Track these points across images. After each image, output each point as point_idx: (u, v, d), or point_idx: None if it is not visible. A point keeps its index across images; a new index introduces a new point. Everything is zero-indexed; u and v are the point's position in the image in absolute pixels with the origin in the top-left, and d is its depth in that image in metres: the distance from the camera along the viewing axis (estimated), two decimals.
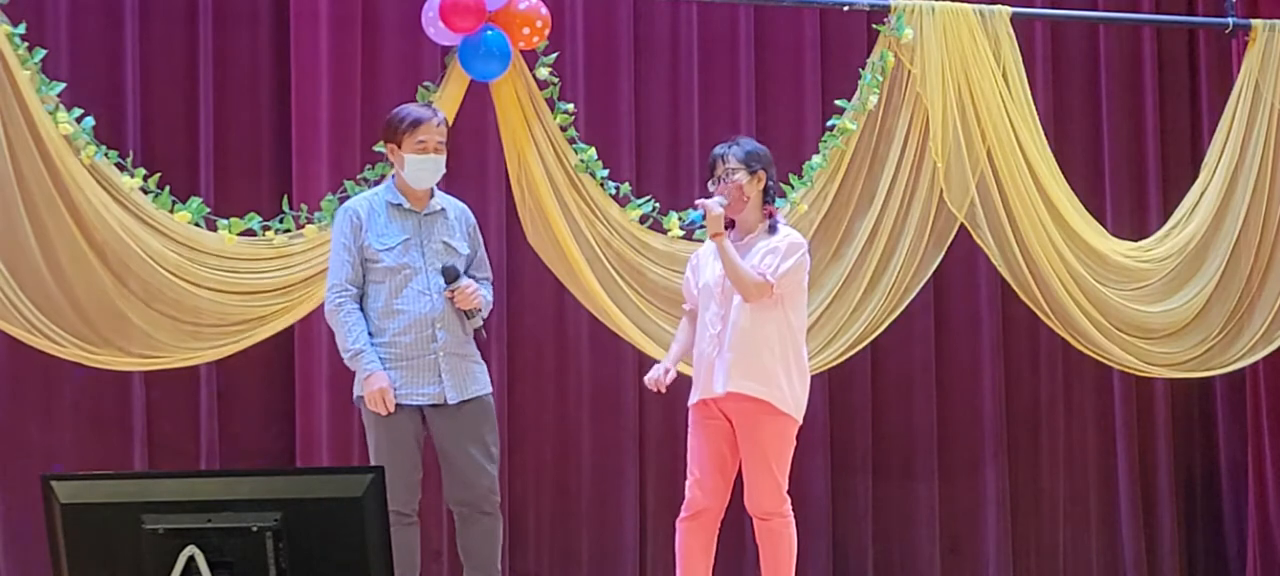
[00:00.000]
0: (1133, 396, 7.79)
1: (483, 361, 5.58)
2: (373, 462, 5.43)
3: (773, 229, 5.60)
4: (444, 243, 5.49)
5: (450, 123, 6.27)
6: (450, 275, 5.40)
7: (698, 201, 5.60)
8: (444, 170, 5.53)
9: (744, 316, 5.51)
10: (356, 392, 5.47)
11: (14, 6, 5.94)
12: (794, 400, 5.58)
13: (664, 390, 5.68)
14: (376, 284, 5.42)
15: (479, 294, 5.46)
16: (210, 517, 3.39)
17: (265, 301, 6.16)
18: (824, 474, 7.38)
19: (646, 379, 5.71)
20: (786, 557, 5.57)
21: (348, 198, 6.22)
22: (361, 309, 5.43)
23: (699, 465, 5.60)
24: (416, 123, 5.45)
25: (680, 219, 6.52)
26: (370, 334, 5.40)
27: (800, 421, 5.65)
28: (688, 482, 5.64)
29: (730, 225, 5.62)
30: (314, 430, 6.62)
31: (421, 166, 5.43)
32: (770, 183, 5.65)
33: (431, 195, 5.53)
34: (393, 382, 5.35)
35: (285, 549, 3.38)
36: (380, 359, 5.37)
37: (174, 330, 6.05)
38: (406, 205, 5.47)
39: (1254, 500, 7.74)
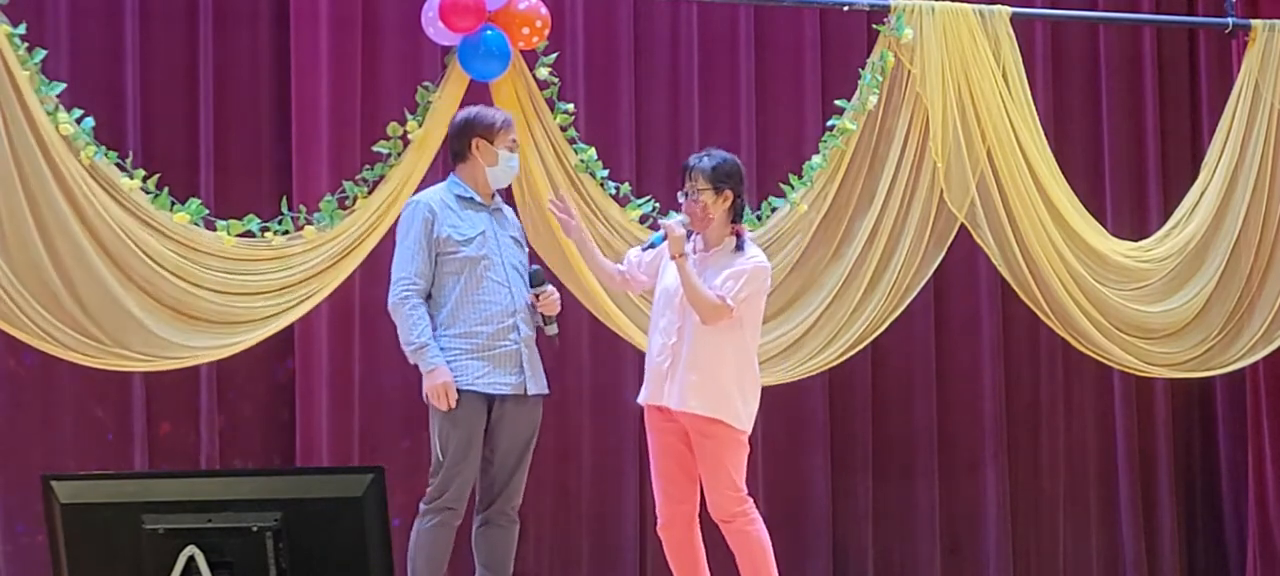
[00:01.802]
0: (1133, 396, 7.79)
1: None
2: (439, 458, 5.47)
3: (739, 247, 5.62)
4: (512, 238, 5.63)
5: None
6: (537, 278, 5.57)
7: (661, 222, 5.63)
8: None
9: (700, 334, 5.54)
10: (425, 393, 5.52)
11: (14, 7, 5.93)
12: (746, 415, 5.64)
13: (549, 203, 5.84)
14: (454, 275, 5.48)
15: (559, 301, 5.62)
16: (210, 517, 3.40)
17: (265, 302, 6.15)
18: (824, 474, 7.38)
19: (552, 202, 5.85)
20: (760, 554, 5.60)
21: (347, 198, 6.23)
22: (430, 301, 5.51)
23: (664, 475, 5.65)
24: (509, 123, 5.66)
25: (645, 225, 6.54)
26: (446, 324, 5.47)
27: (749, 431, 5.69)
28: (655, 494, 5.69)
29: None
30: (314, 430, 6.62)
31: (510, 163, 5.63)
32: (739, 200, 5.64)
33: (494, 193, 5.67)
34: (479, 372, 5.43)
35: (285, 549, 3.38)
36: (462, 349, 5.44)
37: (174, 330, 6.04)
38: (478, 199, 5.58)
39: (1254, 500, 7.74)
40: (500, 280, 5.51)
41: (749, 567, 5.61)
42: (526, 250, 5.73)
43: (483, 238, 5.52)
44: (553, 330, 5.60)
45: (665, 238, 5.53)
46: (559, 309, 5.62)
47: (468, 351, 5.45)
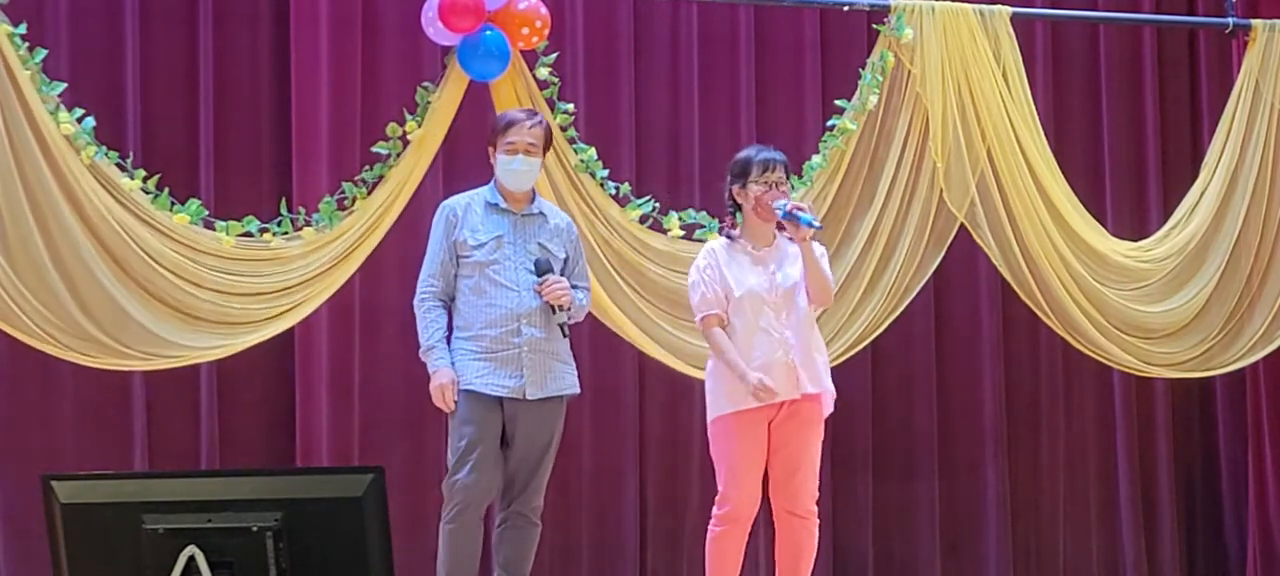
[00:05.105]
0: (1133, 396, 7.79)
1: (572, 361, 5.65)
2: (452, 460, 5.48)
3: (793, 238, 5.67)
4: (540, 244, 5.58)
5: (451, 123, 6.30)
6: (541, 267, 5.53)
7: (795, 205, 5.54)
8: (537, 173, 5.64)
9: (808, 320, 5.62)
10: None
11: (14, 6, 5.94)
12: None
13: (765, 389, 5.51)
14: (467, 278, 5.53)
15: (568, 292, 5.56)
16: (210, 517, 3.40)
17: (265, 302, 6.15)
18: (824, 474, 7.35)
19: (753, 381, 5.48)
20: (810, 557, 5.65)
21: (346, 199, 6.23)
22: (453, 303, 5.55)
23: (748, 474, 5.56)
24: (509, 125, 5.60)
25: (722, 222, 6.49)
26: (460, 327, 5.52)
27: None
28: (728, 490, 5.56)
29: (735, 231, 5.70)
30: (314, 430, 6.61)
31: (509, 167, 5.55)
32: None
33: (531, 199, 5.63)
34: (479, 372, 5.46)
35: (285, 549, 3.38)
36: (469, 350, 5.48)
37: (174, 330, 6.05)
38: (503, 205, 5.58)
39: (1254, 500, 7.74)
40: (510, 284, 5.50)
41: (795, 565, 5.63)
42: (564, 258, 5.61)
43: (497, 242, 5.51)
44: (561, 318, 5.56)
45: (812, 218, 5.52)
46: (565, 299, 5.52)
47: (472, 353, 5.49)
